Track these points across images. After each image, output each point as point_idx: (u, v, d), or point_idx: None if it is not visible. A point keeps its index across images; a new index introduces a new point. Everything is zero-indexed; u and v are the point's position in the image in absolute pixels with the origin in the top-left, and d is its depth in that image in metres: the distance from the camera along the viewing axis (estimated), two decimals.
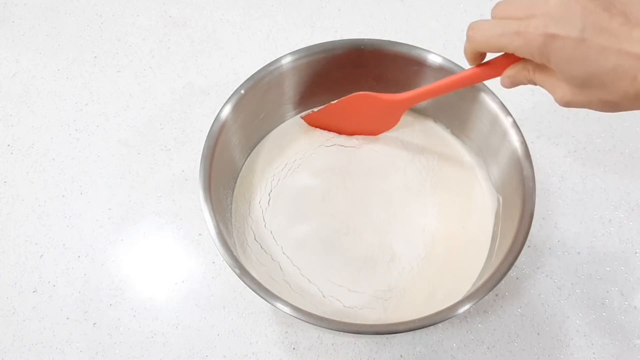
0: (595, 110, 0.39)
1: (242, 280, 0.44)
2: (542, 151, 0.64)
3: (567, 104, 0.40)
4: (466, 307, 0.44)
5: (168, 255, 0.59)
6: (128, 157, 0.64)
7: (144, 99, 0.68)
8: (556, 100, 0.40)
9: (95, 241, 0.59)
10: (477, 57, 0.44)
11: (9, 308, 0.56)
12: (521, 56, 0.39)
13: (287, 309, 0.43)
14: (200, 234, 0.59)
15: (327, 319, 0.44)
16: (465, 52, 0.44)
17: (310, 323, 0.43)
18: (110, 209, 0.61)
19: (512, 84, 0.43)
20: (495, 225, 0.54)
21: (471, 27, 0.41)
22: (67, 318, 0.56)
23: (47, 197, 0.62)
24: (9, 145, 0.66)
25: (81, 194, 0.62)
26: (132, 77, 0.70)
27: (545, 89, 0.41)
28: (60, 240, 0.60)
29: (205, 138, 0.51)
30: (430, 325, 0.44)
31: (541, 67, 0.40)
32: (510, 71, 0.43)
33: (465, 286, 0.51)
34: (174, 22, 0.75)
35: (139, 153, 0.65)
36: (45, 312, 0.56)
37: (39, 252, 0.59)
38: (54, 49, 0.73)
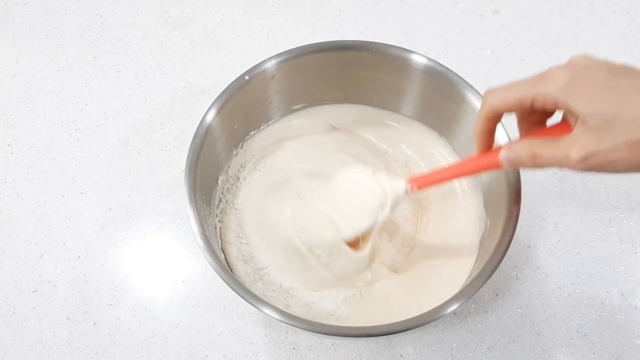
0: (620, 159, 0.35)
1: (236, 292, 0.44)
2: None
3: (587, 157, 0.35)
4: (455, 305, 0.43)
5: (168, 255, 0.59)
6: (128, 157, 0.64)
7: (144, 99, 0.68)
8: (574, 159, 0.36)
9: (95, 241, 0.59)
10: (491, 124, 0.42)
11: (9, 308, 0.56)
12: (541, 102, 0.37)
13: (284, 318, 0.42)
14: None
15: (325, 325, 0.43)
16: (478, 120, 0.42)
17: (309, 330, 0.43)
18: (110, 209, 0.61)
19: (512, 163, 0.41)
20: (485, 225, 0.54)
21: (487, 91, 0.40)
22: (67, 318, 0.56)
23: (47, 197, 0.62)
24: (9, 145, 0.66)
25: (81, 194, 0.62)
26: (132, 77, 0.70)
27: (556, 159, 0.37)
28: (60, 240, 0.60)
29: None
30: (422, 325, 0.43)
31: (546, 140, 0.38)
32: (505, 152, 0.41)
33: (455, 287, 0.50)
34: (174, 22, 0.75)
35: (139, 153, 0.65)
36: (45, 312, 0.56)
37: (39, 252, 0.59)
38: (54, 49, 0.73)
